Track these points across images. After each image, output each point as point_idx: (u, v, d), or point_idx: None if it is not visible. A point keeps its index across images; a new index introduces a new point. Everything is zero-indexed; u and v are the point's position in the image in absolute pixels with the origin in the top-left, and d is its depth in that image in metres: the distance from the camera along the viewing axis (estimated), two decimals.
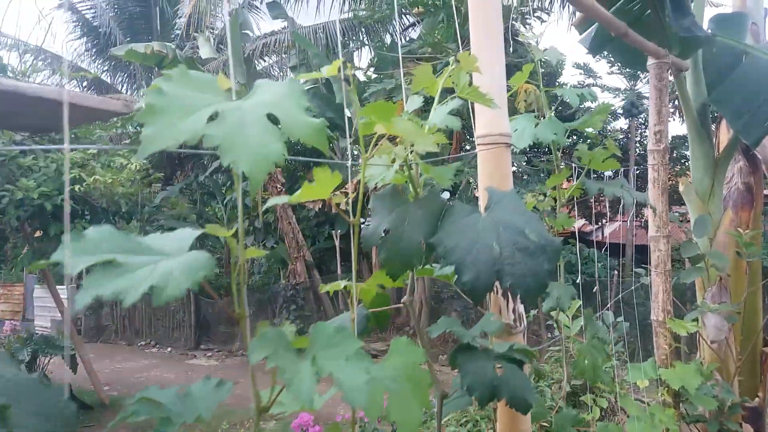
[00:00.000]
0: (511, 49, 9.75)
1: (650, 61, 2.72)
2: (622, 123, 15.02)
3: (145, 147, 0.54)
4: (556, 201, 1.62)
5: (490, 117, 1.36)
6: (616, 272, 8.21)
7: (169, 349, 12.79)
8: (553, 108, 1.68)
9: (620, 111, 14.95)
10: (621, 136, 15.24)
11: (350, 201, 0.92)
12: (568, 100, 1.51)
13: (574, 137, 14.00)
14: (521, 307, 1.39)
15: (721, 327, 3.36)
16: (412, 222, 0.95)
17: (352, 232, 0.90)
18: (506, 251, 0.90)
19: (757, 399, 4.13)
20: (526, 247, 0.91)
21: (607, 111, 1.57)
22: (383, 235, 0.94)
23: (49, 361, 8.49)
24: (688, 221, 3.89)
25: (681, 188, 3.87)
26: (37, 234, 6.69)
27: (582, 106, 13.63)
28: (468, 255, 0.90)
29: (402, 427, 0.82)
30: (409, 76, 9.49)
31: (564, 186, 1.58)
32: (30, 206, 5.65)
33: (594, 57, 3.49)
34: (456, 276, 0.89)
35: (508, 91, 1.61)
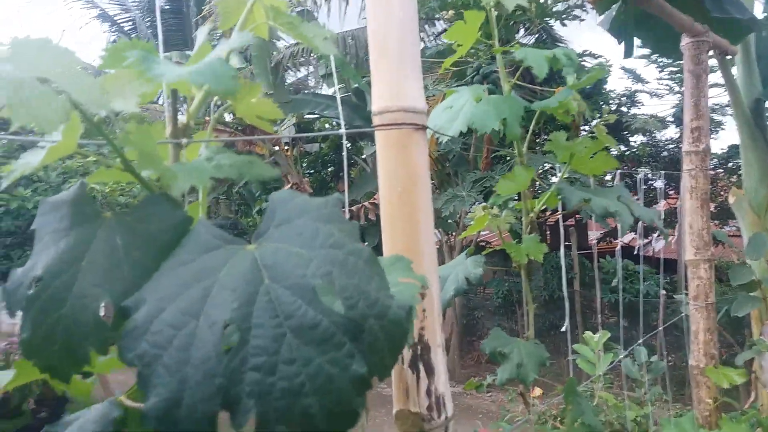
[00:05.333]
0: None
1: (684, 41, 2.16)
2: (672, 132, 14.09)
3: None
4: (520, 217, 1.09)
5: (390, 83, 0.85)
6: (664, 292, 7.42)
7: None
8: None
9: (671, 119, 14.06)
10: (672, 146, 14.31)
11: None
12: (533, 70, 0.99)
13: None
14: (444, 384, 0.87)
15: None
16: (98, 261, 0.45)
17: None
18: (260, 335, 0.40)
19: None
20: (312, 325, 0.41)
21: (596, 78, 1.05)
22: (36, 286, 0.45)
23: None
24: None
25: (731, 200, 3.24)
26: None
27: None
28: (167, 347, 0.40)
29: None
30: (439, 81, 8.99)
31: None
32: (27, 216, 5.44)
33: (619, 42, 2.90)
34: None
35: (452, 53, 1.11)
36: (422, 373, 0.85)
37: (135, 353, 0.40)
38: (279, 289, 0.42)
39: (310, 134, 8.16)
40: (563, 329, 2.14)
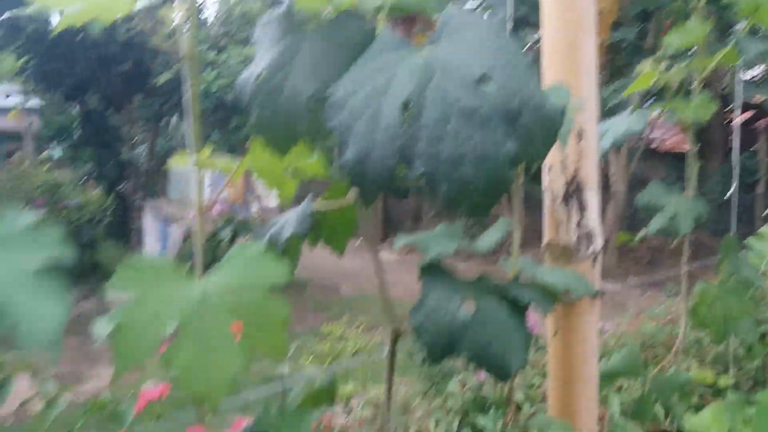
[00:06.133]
0: None
1: None
2: None
3: None
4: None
5: None
6: None
7: (360, 238, 13.51)
8: None
9: None
10: None
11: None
12: None
13: None
14: (594, 220, 0.93)
15: None
16: (304, 62, 0.57)
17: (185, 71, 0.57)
18: (430, 114, 0.49)
19: None
20: (473, 109, 0.49)
21: None
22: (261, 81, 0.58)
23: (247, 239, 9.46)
24: None
25: None
26: None
27: None
28: (360, 116, 0.51)
29: (203, 393, 0.50)
30: None
31: None
32: (212, 99, 6.07)
33: None
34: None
35: None
36: (574, 209, 0.91)
37: (336, 121, 0.51)
38: (446, 79, 0.51)
39: None
40: (727, 196, 2.03)
